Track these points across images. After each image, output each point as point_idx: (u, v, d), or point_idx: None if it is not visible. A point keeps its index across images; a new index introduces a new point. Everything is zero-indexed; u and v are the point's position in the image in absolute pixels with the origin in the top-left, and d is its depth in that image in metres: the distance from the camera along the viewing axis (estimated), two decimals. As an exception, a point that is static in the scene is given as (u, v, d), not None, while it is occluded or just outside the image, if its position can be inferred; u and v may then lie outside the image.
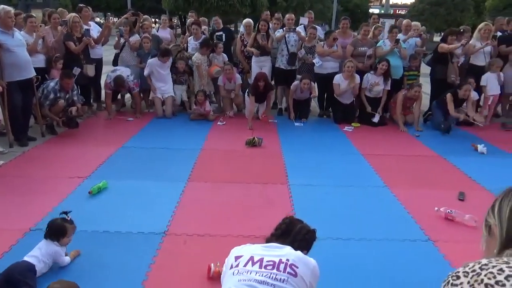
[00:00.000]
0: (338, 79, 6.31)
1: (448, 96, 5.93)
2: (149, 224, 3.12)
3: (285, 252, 1.66)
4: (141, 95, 6.92)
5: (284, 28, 6.79)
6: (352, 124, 6.34)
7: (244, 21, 7.38)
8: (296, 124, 6.41)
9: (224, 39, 7.18)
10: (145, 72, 6.42)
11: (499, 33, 6.91)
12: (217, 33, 7.32)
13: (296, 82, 6.46)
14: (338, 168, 4.55)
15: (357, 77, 6.29)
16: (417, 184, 4.14)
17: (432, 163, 4.82)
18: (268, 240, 1.83)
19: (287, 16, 7.03)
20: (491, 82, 6.31)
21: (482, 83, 6.35)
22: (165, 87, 6.49)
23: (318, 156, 4.91)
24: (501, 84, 6.47)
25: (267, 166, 4.52)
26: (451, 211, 3.36)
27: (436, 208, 3.44)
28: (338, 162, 4.73)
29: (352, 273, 2.61)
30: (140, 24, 7.17)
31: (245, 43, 6.96)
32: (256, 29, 6.89)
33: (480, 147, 5.23)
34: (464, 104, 6.16)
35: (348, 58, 6.37)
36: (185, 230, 3.04)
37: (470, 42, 6.64)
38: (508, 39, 6.71)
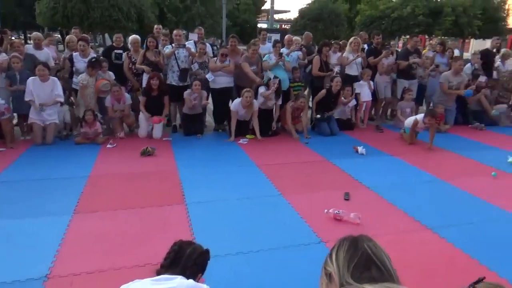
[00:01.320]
0: (236, 106, 6.31)
1: (322, 91, 6.68)
2: (27, 268, 2.74)
3: (176, 284, 1.59)
4: (14, 121, 6.17)
5: (173, 44, 6.72)
6: (247, 136, 6.51)
7: (131, 38, 7.11)
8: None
9: (123, 58, 6.85)
10: (26, 97, 5.67)
11: (365, 46, 7.82)
12: (117, 51, 6.94)
13: (188, 91, 6.43)
14: (235, 181, 4.60)
15: (256, 104, 6.41)
16: (308, 189, 4.40)
17: (320, 167, 5.18)
18: (158, 272, 1.74)
19: (174, 32, 6.98)
20: (363, 89, 7.08)
21: (356, 90, 7.09)
22: (48, 111, 5.77)
23: (215, 171, 4.91)
24: (372, 91, 7.30)
25: (162, 187, 4.37)
26: (338, 211, 3.64)
27: (325, 210, 3.68)
28: (235, 175, 4.79)
29: (252, 287, 2.64)
30: (9, 42, 6.43)
31: (133, 60, 6.70)
32: (144, 45, 6.71)
33: (360, 149, 5.80)
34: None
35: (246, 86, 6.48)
36: (72, 270, 2.75)
37: (343, 54, 7.38)
38: (374, 51, 7.61)
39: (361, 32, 8.71)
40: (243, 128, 6.60)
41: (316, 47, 8.10)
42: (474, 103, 7.86)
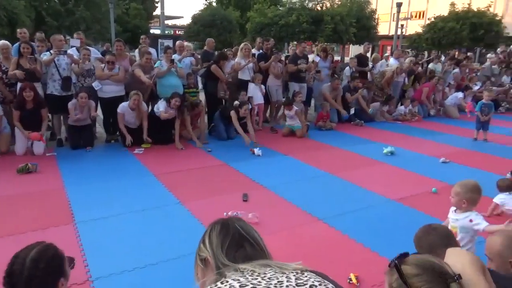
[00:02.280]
0: (124, 109, 6.09)
1: (233, 114, 6.44)
2: None
3: None
4: None
5: (51, 51, 6.14)
6: (142, 145, 6.25)
7: (-1, 43, 6.30)
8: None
9: None
10: None
11: (256, 51, 8.15)
12: None
13: (72, 101, 5.95)
14: (130, 193, 4.38)
15: (144, 106, 6.19)
16: (208, 194, 4.39)
17: (219, 172, 5.23)
18: None
19: (53, 37, 6.39)
20: (255, 93, 7.34)
21: (249, 94, 7.32)
22: None
23: (108, 185, 4.61)
24: (263, 95, 7.61)
25: (46, 207, 3.95)
26: (237, 213, 3.70)
27: (225, 213, 3.71)
28: (130, 188, 4.56)
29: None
30: None
31: (4, 68, 5.96)
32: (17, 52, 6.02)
33: (256, 150, 6.00)
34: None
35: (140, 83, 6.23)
36: None
37: (236, 60, 7.57)
38: (264, 56, 7.95)
39: (258, 38, 8.89)
40: (138, 137, 6.32)
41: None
42: (354, 103, 8.73)
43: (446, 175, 5.05)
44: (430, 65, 11.07)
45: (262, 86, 7.59)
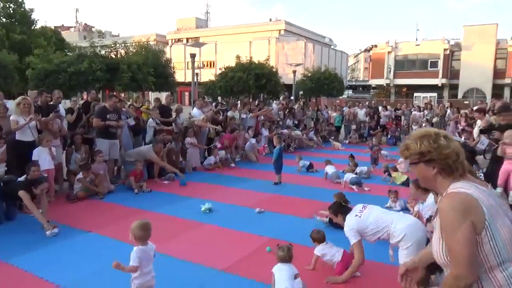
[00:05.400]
0: None
1: (23, 194, 4.88)
2: None
3: None
4: None
5: None
6: None
7: None
8: None
9: None
10: None
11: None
12: None
13: None
14: None
15: None
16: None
17: None
18: None
19: None
20: (42, 156, 5.86)
21: (33, 157, 5.78)
22: None
23: None
24: (53, 157, 6.18)
25: None
26: None
27: None
28: None
29: None
30: None
31: None
32: None
33: (49, 232, 4.70)
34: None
35: None
36: None
37: (11, 117, 6.01)
38: (39, 110, 6.51)
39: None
40: None
41: None
42: (165, 154, 8.24)
43: (265, 228, 5.03)
44: (229, 113, 11.71)
45: (53, 149, 6.17)
